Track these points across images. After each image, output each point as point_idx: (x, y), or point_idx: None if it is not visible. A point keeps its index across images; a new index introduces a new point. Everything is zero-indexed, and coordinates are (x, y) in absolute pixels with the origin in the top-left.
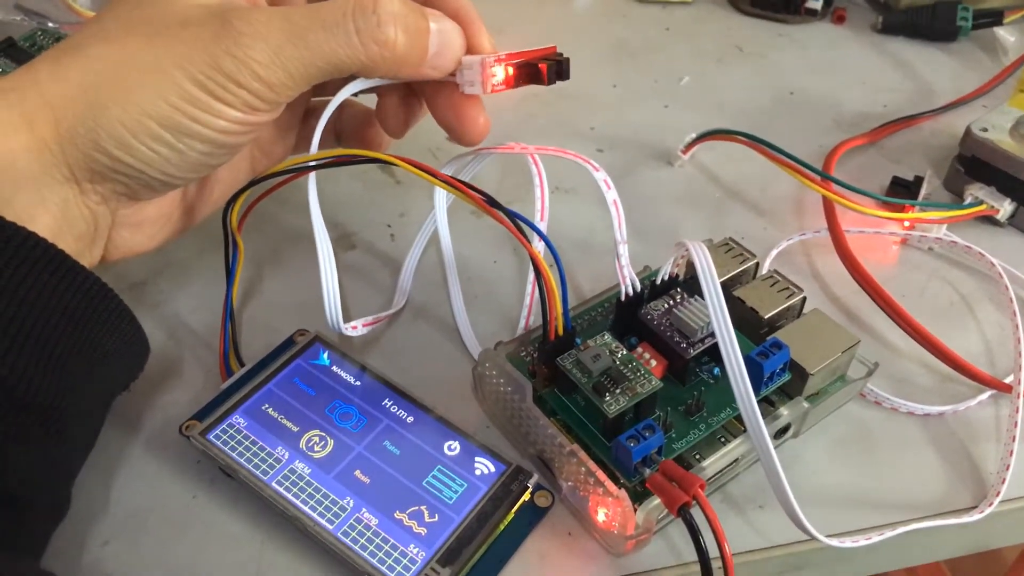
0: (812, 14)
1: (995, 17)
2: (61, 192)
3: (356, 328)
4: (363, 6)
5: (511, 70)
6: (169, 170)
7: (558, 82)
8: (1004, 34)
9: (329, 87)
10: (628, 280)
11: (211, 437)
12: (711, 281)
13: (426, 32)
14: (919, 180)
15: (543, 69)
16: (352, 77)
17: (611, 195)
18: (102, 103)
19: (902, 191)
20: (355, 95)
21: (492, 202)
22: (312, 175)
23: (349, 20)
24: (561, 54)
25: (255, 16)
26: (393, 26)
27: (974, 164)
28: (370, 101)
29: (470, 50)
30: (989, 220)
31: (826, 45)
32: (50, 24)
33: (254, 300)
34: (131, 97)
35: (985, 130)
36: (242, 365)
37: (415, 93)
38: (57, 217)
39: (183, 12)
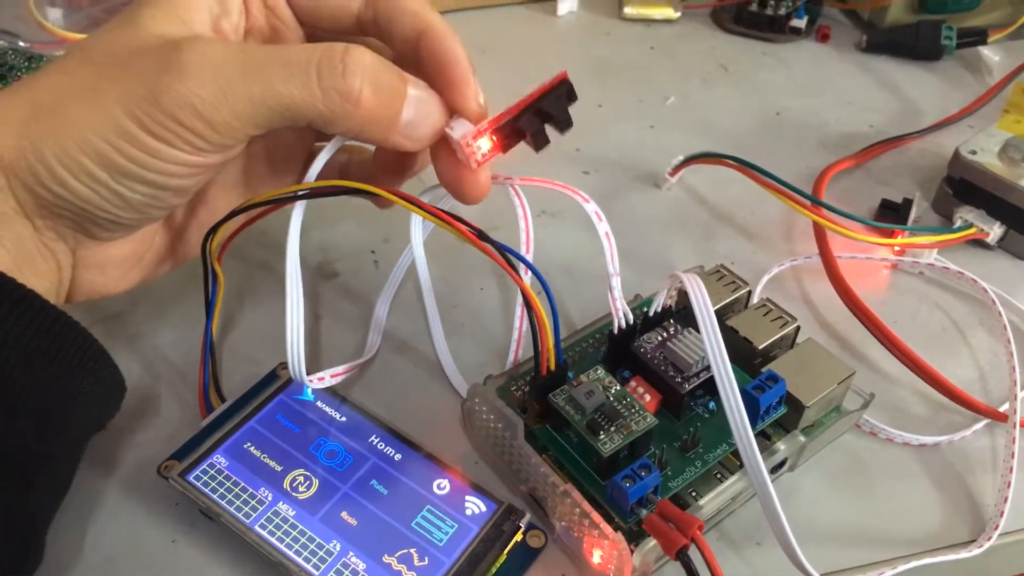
0: (796, 32)
1: (979, 36)
2: (14, 228)
3: (323, 380)
4: (331, 54)
5: (495, 138)
6: (112, 211)
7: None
8: (989, 53)
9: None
10: (621, 313)
11: (191, 478)
12: (708, 317)
13: (400, 95)
14: (908, 202)
15: (529, 140)
16: None
17: (603, 227)
18: (40, 136)
19: (891, 214)
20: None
21: (480, 235)
22: (298, 214)
23: (312, 65)
24: (570, 86)
25: (209, 48)
26: (359, 78)
27: (963, 186)
28: None
29: (456, 112)
30: (979, 243)
31: (811, 64)
32: (21, 43)
33: (235, 332)
34: (67, 131)
35: (974, 152)
36: (223, 400)
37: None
38: (13, 254)
39: (141, 41)
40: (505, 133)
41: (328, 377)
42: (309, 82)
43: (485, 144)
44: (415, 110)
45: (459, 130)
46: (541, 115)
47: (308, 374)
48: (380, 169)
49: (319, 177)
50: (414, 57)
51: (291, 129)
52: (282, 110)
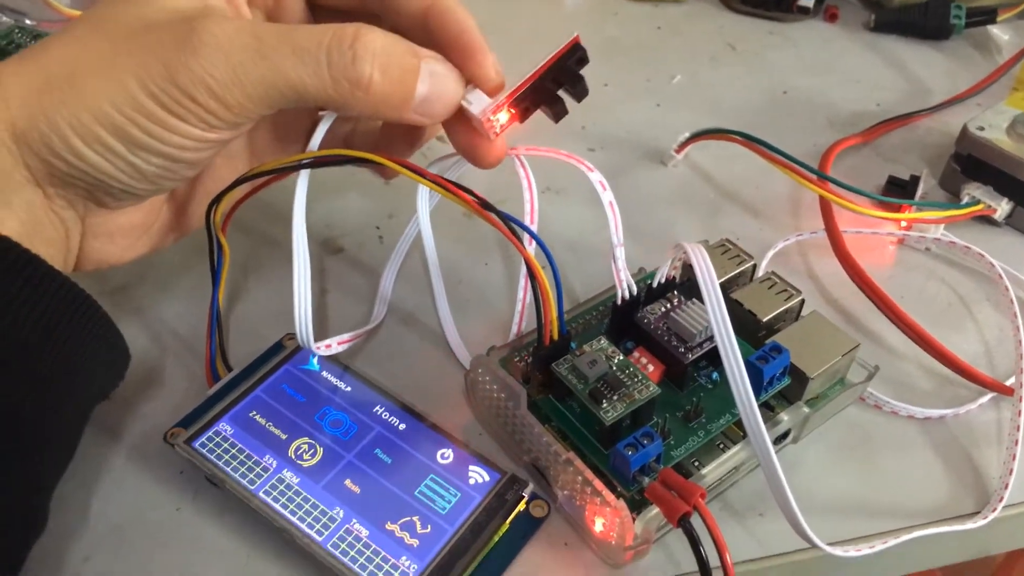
0: (804, 12)
1: (988, 15)
2: (25, 195)
3: (330, 347)
4: (341, 38)
5: (513, 110)
6: (126, 181)
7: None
8: (998, 32)
9: None
10: (625, 284)
11: (196, 445)
12: (711, 286)
13: (413, 73)
14: (915, 179)
15: (547, 110)
16: None
17: (607, 197)
18: (54, 106)
19: (898, 191)
20: None
21: (485, 204)
22: (303, 182)
23: (322, 51)
24: (583, 50)
25: (222, 27)
26: (370, 64)
27: (971, 163)
28: None
29: (472, 82)
30: (986, 220)
31: (819, 43)
32: (28, 22)
33: (241, 303)
34: (82, 102)
35: (982, 129)
36: (229, 370)
37: None
38: (25, 221)
39: (154, 15)
40: (523, 104)
41: (335, 344)
42: (319, 69)
43: (503, 116)
44: (430, 87)
45: (477, 105)
46: (557, 83)
47: (315, 342)
48: (387, 140)
49: (322, 147)
50: (422, 32)
51: None
52: (293, 94)
